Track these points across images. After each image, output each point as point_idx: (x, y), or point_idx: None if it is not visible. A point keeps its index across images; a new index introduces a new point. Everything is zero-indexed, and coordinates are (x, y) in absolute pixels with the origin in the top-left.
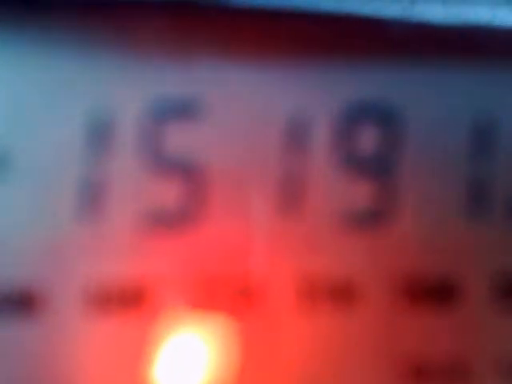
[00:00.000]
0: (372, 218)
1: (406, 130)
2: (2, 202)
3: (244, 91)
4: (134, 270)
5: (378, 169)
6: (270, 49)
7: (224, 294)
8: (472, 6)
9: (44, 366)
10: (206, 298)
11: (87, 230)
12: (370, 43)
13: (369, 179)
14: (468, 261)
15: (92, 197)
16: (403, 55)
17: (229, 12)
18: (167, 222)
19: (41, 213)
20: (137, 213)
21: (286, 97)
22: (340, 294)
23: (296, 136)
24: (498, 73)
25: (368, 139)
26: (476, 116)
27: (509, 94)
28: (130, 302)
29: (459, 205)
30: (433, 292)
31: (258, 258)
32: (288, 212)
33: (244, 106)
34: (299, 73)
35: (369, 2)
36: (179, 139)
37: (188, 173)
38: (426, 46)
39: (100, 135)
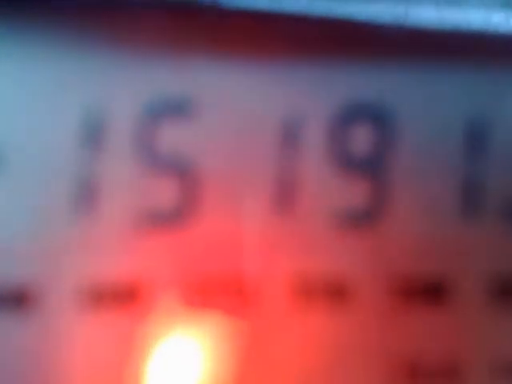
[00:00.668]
0: (366, 218)
1: (400, 130)
2: None
3: (238, 91)
4: (128, 268)
5: (372, 169)
6: (264, 49)
7: (218, 293)
8: (465, 9)
9: (37, 364)
10: (200, 296)
11: (81, 228)
12: (363, 45)
13: (363, 179)
14: (461, 261)
15: (86, 195)
16: (397, 57)
17: (223, 12)
18: (162, 220)
19: (35, 211)
20: (131, 211)
21: (280, 97)
22: (334, 293)
23: (290, 136)
24: (493, 74)
25: (361, 140)
26: (470, 117)
27: (503, 95)
28: (123, 300)
29: (453, 205)
30: (427, 291)
31: (253, 257)
32: (282, 211)
33: (238, 106)
34: (294, 73)
35: (363, 5)
36: (173, 138)
37: (182, 172)
38: (419, 48)
39: (94, 134)
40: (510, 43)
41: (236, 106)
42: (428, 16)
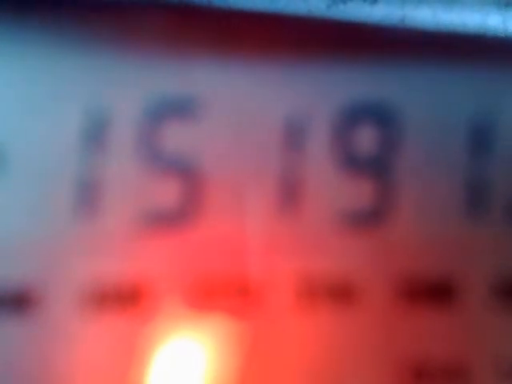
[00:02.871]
0: (370, 218)
1: (405, 130)
2: None
3: (241, 91)
4: (131, 269)
5: (377, 169)
6: (267, 49)
7: (222, 294)
8: (464, 10)
9: (40, 365)
10: (204, 297)
11: (84, 229)
12: (367, 45)
13: (367, 179)
14: (467, 261)
15: (88, 196)
16: (401, 57)
17: (227, 13)
18: (165, 221)
19: (37, 212)
20: (134, 212)
21: (284, 97)
22: (339, 293)
23: (294, 136)
24: (497, 74)
25: (366, 139)
26: (474, 116)
27: (507, 95)
28: (126, 301)
29: (458, 205)
30: (431, 292)
31: (257, 257)
32: (286, 211)
33: (242, 106)
34: (297, 73)
35: (364, 7)
36: (176, 139)
37: (185, 172)
38: (423, 48)
39: (97, 134)
40: (507, 44)
41: (239, 106)
42: (428, 18)
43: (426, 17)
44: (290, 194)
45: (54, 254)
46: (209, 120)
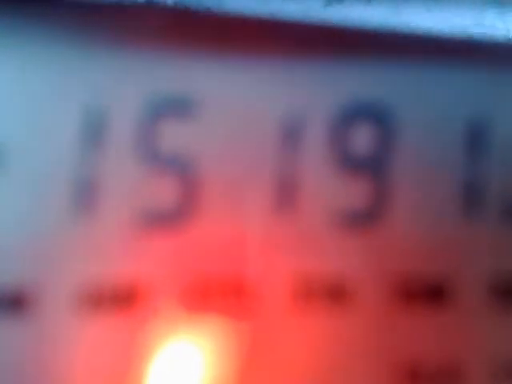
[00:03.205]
0: (366, 218)
1: (401, 130)
2: None
3: (239, 91)
4: (128, 269)
5: (373, 169)
6: (265, 49)
7: (218, 294)
8: (458, 10)
9: (36, 367)
10: (200, 298)
11: (80, 229)
12: (363, 45)
13: (363, 179)
14: (463, 262)
15: (85, 195)
16: (397, 57)
17: (225, 13)
18: (161, 221)
19: (33, 211)
20: (131, 211)
21: (281, 96)
22: (335, 294)
23: (290, 135)
24: (492, 74)
25: (362, 139)
26: (470, 116)
27: (503, 95)
28: (123, 302)
29: (453, 205)
30: (428, 293)
31: (253, 257)
32: (283, 211)
33: (239, 105)
34: (294, 73)
35: (358, 8)
36: (174, 137)
37: (182, 171)
38: (419, 48)
39: (95, 133)
40: (504, 44)
41: (237, 106)
42: (424, 17)
43: (421, 16)
44: (287, 193)
45: (50, 253)
46: (206, 120)
